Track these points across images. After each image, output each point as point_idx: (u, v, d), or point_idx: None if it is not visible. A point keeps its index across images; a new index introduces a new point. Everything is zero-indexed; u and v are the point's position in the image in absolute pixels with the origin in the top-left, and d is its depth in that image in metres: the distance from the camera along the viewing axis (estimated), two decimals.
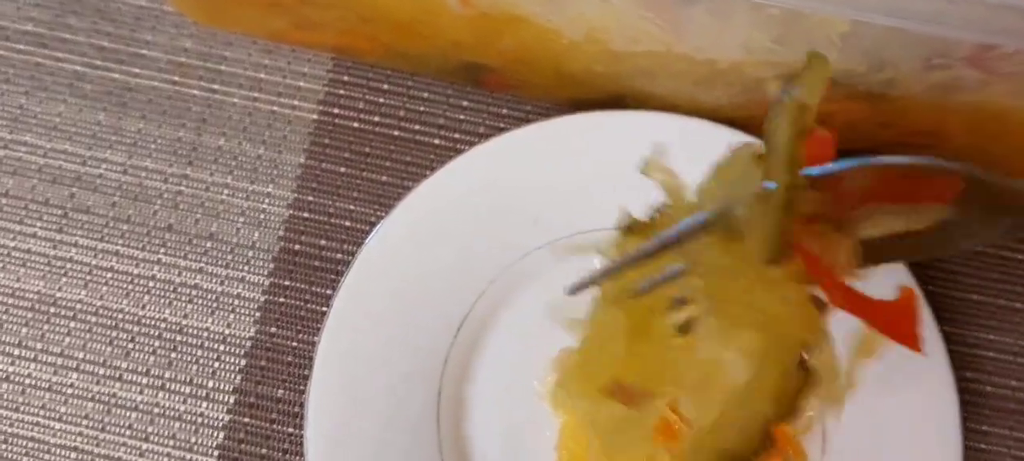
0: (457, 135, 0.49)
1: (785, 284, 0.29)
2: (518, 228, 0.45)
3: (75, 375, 0.45)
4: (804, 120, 0.29)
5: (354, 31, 0.45)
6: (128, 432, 0.44)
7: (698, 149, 0.43)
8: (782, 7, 0.34)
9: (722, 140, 0.43)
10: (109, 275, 0.47)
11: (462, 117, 0.49)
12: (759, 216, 0.29)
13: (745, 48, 0.38)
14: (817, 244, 0.29)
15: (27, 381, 0.45)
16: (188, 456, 0.44)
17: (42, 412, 0.44)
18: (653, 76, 0.42)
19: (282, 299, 0.46)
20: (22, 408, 0.45)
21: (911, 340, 0.32)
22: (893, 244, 0.31)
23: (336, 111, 0.50)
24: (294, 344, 0.45)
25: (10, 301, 0.46)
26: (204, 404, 0.45)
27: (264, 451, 0.44)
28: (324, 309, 0.46)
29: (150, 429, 0.44)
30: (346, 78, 0.50)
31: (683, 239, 0.31)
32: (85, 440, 0.44)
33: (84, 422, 0.44)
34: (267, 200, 0.48)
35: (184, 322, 0.46)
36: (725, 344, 0.30)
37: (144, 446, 0.44)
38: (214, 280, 0.46)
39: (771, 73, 0.39)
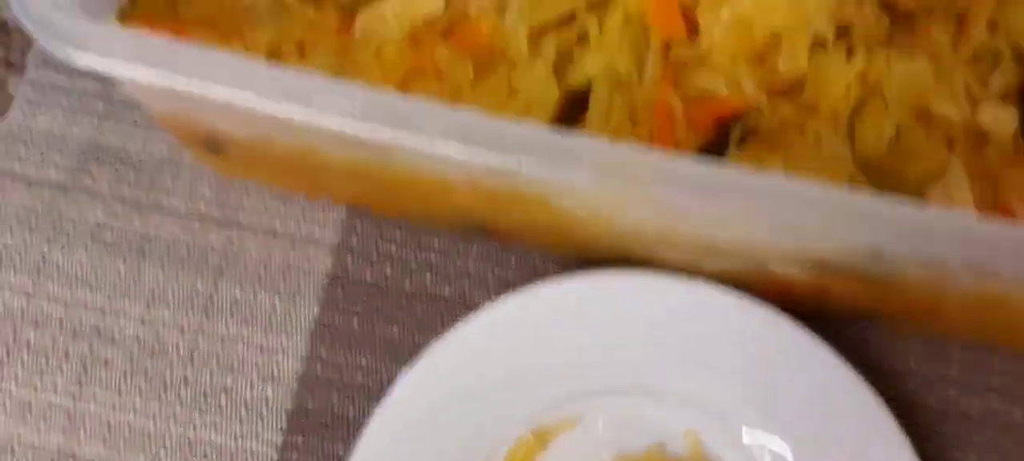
0: (465, 282, 0.50)
1: None
2: (528, 390, 0.45)
3: None
4: None
5: (366, 195, 0.46)
6: None
7: (702, 314, 0.45)
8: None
9: (727, 305, 0.44)
10: (126, 431, 0.47)
11: (471, 267, 0.50)
12: None
13: (744, 234, 0.39)
14: None
15: None
16: None
17: None
18: (657, 246, 0.43)
19: (296, 456, 0.47)
20: None
21: None
22: None
23: (349, 260, 0.50)
24: None
25: (30, 454, 0.47)
26: None
27: None
28: None
29: None
30: (359, 227, 0.51)
31: None
32: None
33: None
34: (280, 354, 0.49)
35: None
36: None
37: None
38: (228, 436, 0.47)
39: (773, 255, 0.40)
